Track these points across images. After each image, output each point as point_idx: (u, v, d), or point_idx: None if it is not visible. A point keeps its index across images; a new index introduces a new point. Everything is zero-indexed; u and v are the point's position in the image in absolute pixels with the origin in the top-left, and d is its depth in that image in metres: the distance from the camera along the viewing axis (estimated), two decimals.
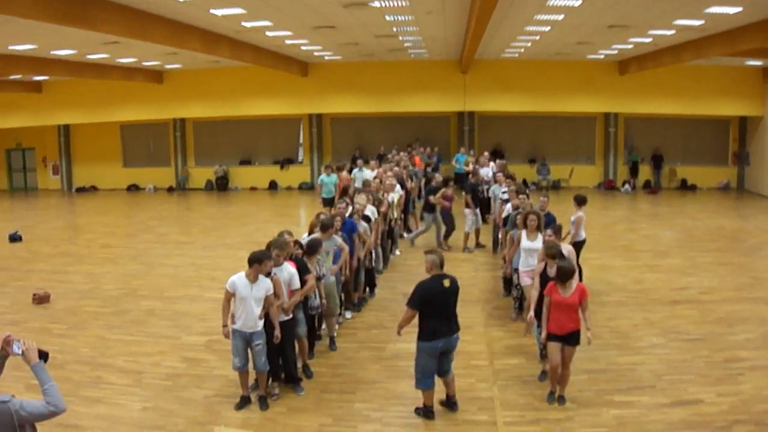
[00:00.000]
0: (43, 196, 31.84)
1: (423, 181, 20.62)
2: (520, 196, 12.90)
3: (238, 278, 8.22)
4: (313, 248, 9.64)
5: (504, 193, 15.64)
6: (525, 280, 10.60)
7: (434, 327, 7.80)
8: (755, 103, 27.06)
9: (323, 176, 19.83)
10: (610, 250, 17.22)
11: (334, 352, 10.30)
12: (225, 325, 8.50)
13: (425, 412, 8.09)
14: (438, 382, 8.11)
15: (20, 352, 4.58)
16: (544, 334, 8.27)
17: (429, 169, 21.59)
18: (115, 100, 29.87)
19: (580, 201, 12.89)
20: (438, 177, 17.87)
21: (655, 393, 8.63)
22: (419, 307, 7.81)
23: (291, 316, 8.79)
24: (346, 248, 11.00)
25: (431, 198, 16.74)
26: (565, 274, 8.06)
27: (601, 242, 18.01)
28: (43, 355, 4.67)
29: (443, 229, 17.14)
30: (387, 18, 16.59)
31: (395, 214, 16.18)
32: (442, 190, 16.78)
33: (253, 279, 8.13)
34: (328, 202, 18.64)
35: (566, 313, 8.04)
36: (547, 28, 18.15)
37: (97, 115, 30.48)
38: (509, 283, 12.32)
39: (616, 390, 8.73)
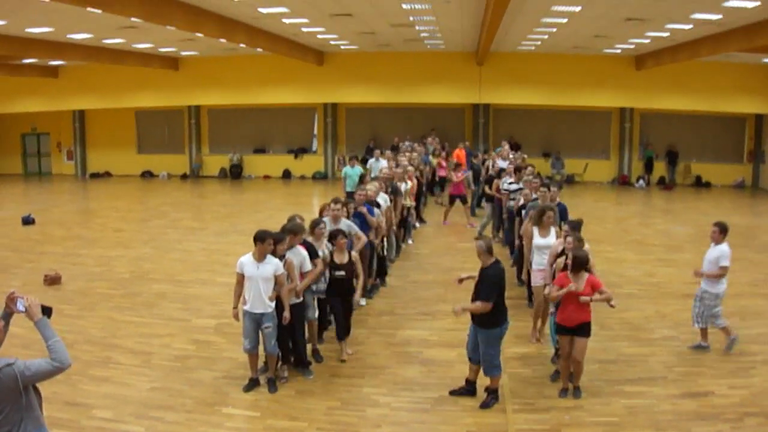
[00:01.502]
0: (57, 181, 31.99)
1: (471, 174, 20.63)
2: (542, 189, 12.37)
3: (246, 258, 8.29)
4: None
5: (510, 184, 15.57)
6: (536, 280, 10.13)
7: (503, 311, 7.97)
8: None
9: (347, 168, 19.17)
10: (624, 243, 17.16)
11: None
12: (235, 307, 8.53)
13: (496, 396, 8.09)
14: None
15: (23, 309, 4.52)
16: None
17: (477, 161, 21.41)
18: (130, 86, 29.88)
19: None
20: (497, 166, 18.03)
21: (666, 384, 8.58)
22: (496, 297, 7.84)
23: (301, 299, 8.80)
24: (363, 238, 10.91)
25: (487, 189, 17.00)
26: (579, 262, 7.99)
27: (615, 236, 18.00)
28: (47, 311, 4.59)
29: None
30: (404, 6, 16.50)
31: (408, 202, 16.14)
32: (495, 180, 16.77)
33: (259, 258, 8.16)
34: (352, 195, 18.40)
35: (576, 305, 7.96)
36: (564, 20, 17.99)
37: (113, 101, 30.52)
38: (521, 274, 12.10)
39: (626, 380, 8.69)
